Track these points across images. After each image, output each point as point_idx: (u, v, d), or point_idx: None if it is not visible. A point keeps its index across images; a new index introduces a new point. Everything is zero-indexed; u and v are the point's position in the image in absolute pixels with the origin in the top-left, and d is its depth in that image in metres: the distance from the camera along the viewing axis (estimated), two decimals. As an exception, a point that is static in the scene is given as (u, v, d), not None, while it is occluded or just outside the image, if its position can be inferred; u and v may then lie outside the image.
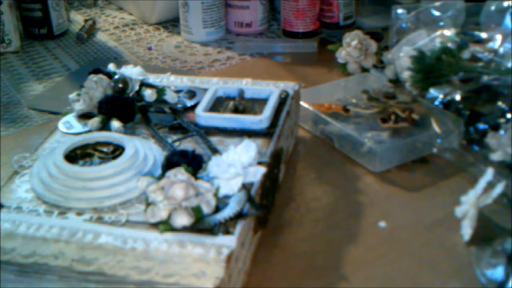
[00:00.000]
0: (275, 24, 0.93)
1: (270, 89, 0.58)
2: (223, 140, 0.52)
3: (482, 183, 0.47)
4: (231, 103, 0.57)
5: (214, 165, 0.45)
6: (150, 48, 0.87)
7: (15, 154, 0.52)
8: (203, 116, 0.55)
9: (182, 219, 0.41)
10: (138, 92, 0.58)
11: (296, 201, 0.54)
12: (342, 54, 0.76)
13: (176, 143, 0.52)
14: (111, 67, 0.60)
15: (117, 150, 0.49)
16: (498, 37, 0.67)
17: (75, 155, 0.49)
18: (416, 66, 0.63)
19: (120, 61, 0.83)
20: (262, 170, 0.46)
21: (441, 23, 0.70)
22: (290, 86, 0.61)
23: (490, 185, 0.46)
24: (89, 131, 0.54)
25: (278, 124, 0.55)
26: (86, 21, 0.95)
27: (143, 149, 0.49)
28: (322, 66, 0.80)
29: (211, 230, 0.41)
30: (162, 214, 0.41)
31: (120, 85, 0.57)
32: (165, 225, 0.41)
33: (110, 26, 0.96)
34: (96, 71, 0.58)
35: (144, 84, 0.58)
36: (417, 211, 0.52)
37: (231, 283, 0.40)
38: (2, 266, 0.39)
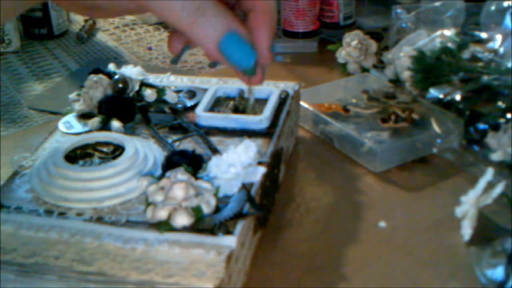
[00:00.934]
0: (275, 24, 0.93)
1: (270, 89, 0.58)
2: (223, 140, 0.52)
3: (482, 183, 0.47)
4: (231, 103, 0.57)
5: (214, 165, 0.45)
6: (150, 48, 0.87)
7: (15, 154, 0.52)
8: (203, 116, 0.55)
9: (182, 219, 0.41)
10: (138, 92, 0.58)
11: (296, 201, 0.54)
12: (342, 54, 0.76)
13: (176, 143, 0.52)
14: (111, 67, 0.60)
15: (117, 150, 0.49)
16: (498, 37, 0.67)
17: (75, 155, 0.49)
18: (416, 66, 0.63)
19: (120, 61, 0.83)
20: (262, 170, 0.47)
21: (441, 23, 0.70)
22: (290, 86, 0.61)
23: (490, 185, 0.46)
24: (89, 131, 0.54)
25: (278, 124, 0.55)
26: (86, 21, 0.96)
27: (143, 149, 0.49)
28: (322, 66, 0.80)
29: (211, 230, 0.41)
30: (162, 214, 0.41)
31: (120, 85, 0.57)
32: (165, 225, 0.41)
33: (110, 26, 0.96)
34: (96, 71, 0.58)
35: (144, 84, 0.58)
36: (417, 211, 0.52)
37: (231, 283, 0.40)
38: (2, 266, 0.39)
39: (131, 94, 0.57)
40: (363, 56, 0.75)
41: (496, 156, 0.52)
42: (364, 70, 0.75)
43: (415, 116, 0.61)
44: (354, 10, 0.89)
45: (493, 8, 0.70)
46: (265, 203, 0.48)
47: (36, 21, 0.90)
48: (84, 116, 0.56)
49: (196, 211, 0.41)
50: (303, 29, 0.86)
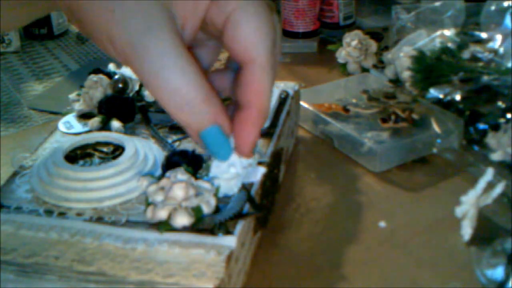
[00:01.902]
0: (275, 24, 0.93)
1: (270, 89, 0.58)
2: (223, 140, 0.52)
3: (482, 183, 0.47)
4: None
5: (214, 165, 0.45)
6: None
7: (15, 154, 0.52)
8: (203, 116, 0.55)
9: (182, 219, 0.40)
10: (138, 92, 0.58)
11: (296, 201, 0.54)
12: (342, 54, 0.76)
13: (176, 143, 0.52)
14: (111, 67, 0.60)
15: (117, 150, 0.49)
16: (498, 37, 0.67)
17: (75, 155, 0.49)
18: (416, 66, 0.63)
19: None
20: (262, 170, 0.47)
21: (441, 23, 0.70)
22: (290, 86, 0.61)
23: (490, 185, 0.46)
24: (89, 131, 0.54)
25: (278, 124, 0.55)
26: (86, 21, 0.95)
27: (143, 149, 0.49)
28: (322, 66, 0.80)
29: (211, 230, 0.41)
30: (162, 214, 0.41)
31: (120, 85, 0.57)
32: (165, 225, 0.41)
33: (110, 26, 0.96)
34: (96, 71, 0.58)
35: (144, 84, 0.58)
36: (417, 211, 0.52)
37: (231, 283, 0.40)
38: (2, 266, 0.39)
39: (131, 94, 0.57)
40: (363, 56, 0.75)
41: (496, 156, 0.52)
42: (364, 70, 0.75)
43: (415, 116, 0.61)
44: (354, 10, 0.89)
45: (493, 8, 0.70)
46: (265, 203, 0.48)
47: (36, 21, 0.90)
48: (84, 116, 0.56)
49: (196, 211, 0.41)
50: (303, 29, 0.86)
